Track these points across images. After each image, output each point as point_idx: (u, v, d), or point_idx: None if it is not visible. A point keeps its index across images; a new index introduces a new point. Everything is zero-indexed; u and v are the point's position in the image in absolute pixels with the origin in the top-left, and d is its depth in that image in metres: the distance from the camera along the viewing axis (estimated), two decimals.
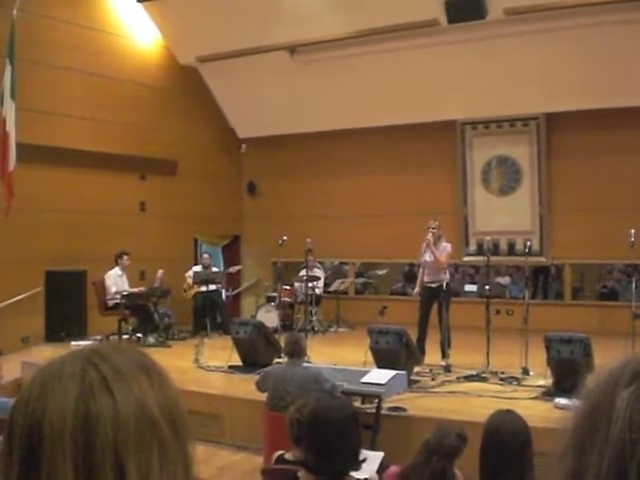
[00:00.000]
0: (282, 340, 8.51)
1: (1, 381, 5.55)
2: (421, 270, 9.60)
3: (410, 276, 15.00)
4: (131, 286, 11.32)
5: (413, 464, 3.50)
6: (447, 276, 9.20)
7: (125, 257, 11.31)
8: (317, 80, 12.80)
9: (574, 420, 0.84)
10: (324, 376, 6.04)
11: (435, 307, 9.14)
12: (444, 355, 8.81)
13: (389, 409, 6.68)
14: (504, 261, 13.34)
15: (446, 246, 9.25)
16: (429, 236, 9.06)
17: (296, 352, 6.18)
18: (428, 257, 9.13)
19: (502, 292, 14.17)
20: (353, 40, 11.87)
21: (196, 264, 13.09)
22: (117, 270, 11.24)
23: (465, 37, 11.24)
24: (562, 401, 6.38)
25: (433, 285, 9.12)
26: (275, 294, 11.98)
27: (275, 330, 10.35)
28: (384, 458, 4.21)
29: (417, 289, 9.68)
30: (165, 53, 13.42)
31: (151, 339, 10.88)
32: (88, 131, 11.94)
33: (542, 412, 6.21)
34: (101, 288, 11.19)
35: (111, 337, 10.59)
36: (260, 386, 6.30)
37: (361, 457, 3.30)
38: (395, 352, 7.75)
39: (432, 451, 3.43)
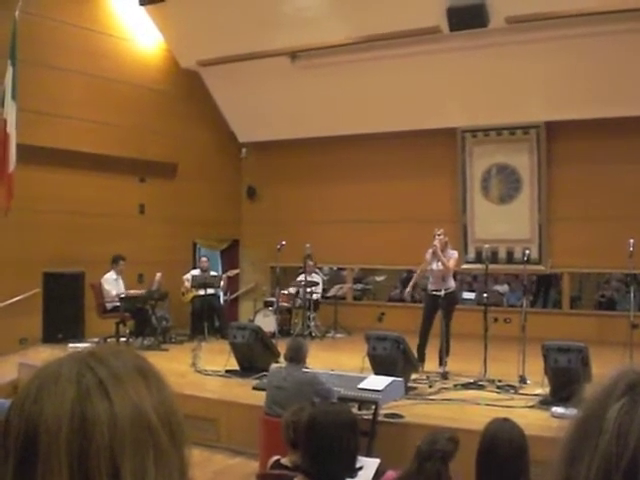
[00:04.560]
0: (280, 345, 8.52)
1: None
2: (417, 271, 9.57)
3: (408, 283, 14.99)
4: (127, 289, 11.31)
5: (407, 473, 3.50)
6: (453, 283, 9.19)
7: (121, 262, 11.29)
8: (317, 85, 12.81)
9: (567, 430, 0.84)
10: (319, 379, 6.03)
11: (439, 314, 9.10)
12: (441, 362, 8.80)
13: (386, 416, 6.67)
14: (502, 269, 13.33)
15: (453, 253, 9.23)
16: (436, 242, 9.03)
17: (296, 358, 6.18)
18: (435, 266, 9.06)
19: (500, 300, 14.18)
20: (354, 46, 11.88)
21: (194, 268, 13.08)
22: (112, 274, 11.23)
23: (466, 45, 11.25)
24: (559, 410, 6.37)
25: (439, 293, 8.99)
26: (273, 299, 11.98)
27: (273, 335, 10.34)
28: (380, 465, 4.20)
29: (408, 289, 9.75)
30: (166, 56, 13.44)
31: (148, 342, 10.87)
32: (88, 133, 11.94)
33: (539, 421, 6.21)
34: (99, 291, 11.18)
35: (108, 340, 10.56)
36: (259, 384, 6.37)
37: (358, 464, 3.29)
38: (393, 359, 7.74)
39: (425, 457, 3.42)
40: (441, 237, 9.11)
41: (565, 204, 12.22)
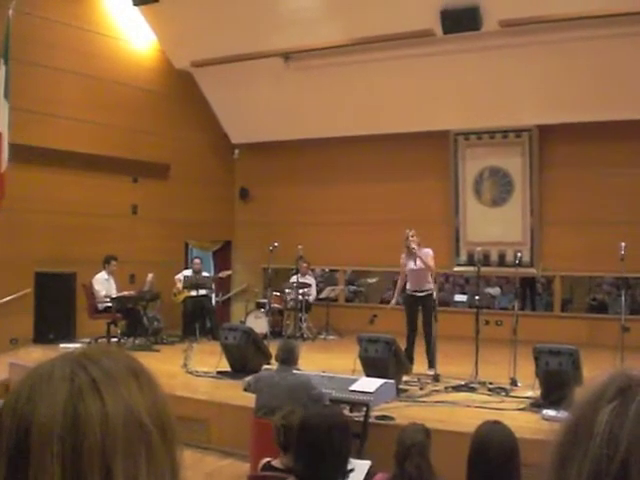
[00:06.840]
0: (272, 346, 8.51)
1: None
2: (399, 279, 9.55)
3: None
4: (119, 290, 11.28)
5: (394, 476, 3.53)
6: (431, 286, 9.18)
7: (113, 262, 11.25)
8: (311, 87, 12.82)
9: (558, 433, 0.84)
10: (312, 383, 6.03)
11: (420, 317, 9.14)
12: (432, 365, 8.82)
13: (377, 418, 6.67)
14: (494, 272, 13.35)
15: (428, 251, 9.22)
16: (414, 245, 9.04)
17: (288, 359, 6.17)
18: (414, 265, 9.09)
19: (492, 303, 14.20)
20: (348, 48, 11.90)
21: (186, 268, 13.05)
22: (104, 274, 11.19)
23: (460, 48, 11.28)
24: (550, 413, 6.38)
25: (417, 294, 9.11)
26: (265, 300, 11.96)
27: (264, 336, 10.31)
28: (371, 467, 4.20)
29: (394, 300, 9.59)
30: (160, 57, 13.42)
31: (139, 343, 10.84)
32: (81, 133, 11.90)
33: (530, 423, 6.22)
34: (90, 291, 11.14)
35: (99, 340, 10.53)
36: (248, 388, 6.31)
37: (349, 466, 3.30)
38: (384, 361, 7.75)
39: (402, 458, 3.46)
40: (414, 238, 9.10)
41: (557, 207, 12.25)
